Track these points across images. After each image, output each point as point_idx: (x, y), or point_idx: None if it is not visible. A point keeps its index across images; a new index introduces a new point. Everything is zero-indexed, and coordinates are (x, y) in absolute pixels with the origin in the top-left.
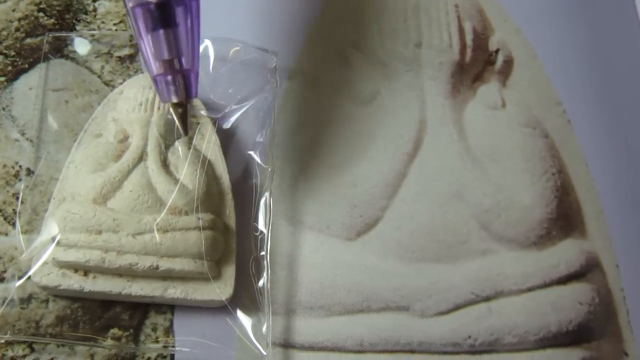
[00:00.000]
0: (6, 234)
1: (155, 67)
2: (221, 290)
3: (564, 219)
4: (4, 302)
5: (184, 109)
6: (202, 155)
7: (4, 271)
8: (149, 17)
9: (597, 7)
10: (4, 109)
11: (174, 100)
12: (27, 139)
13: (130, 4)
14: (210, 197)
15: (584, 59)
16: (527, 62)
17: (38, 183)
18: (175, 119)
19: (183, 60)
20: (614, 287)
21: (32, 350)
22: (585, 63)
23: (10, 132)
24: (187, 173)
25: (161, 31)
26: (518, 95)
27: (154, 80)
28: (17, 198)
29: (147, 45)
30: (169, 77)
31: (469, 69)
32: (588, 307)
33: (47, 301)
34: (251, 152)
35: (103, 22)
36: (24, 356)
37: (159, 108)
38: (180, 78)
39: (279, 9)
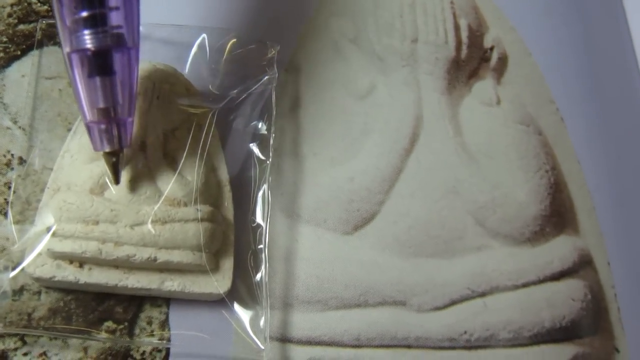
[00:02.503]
0: None
1: (90, 114)
2: (219, 283)
3: (557, 215)
4: None
5: (117, 157)
6: (200, 147)
7: None
8: (86, 63)
9: (587, 7)
10: None
11: (107, 149)
12: (20, 127)
13: (66, 49)
14: (208, 188)
15: (575, 57)
16: (521, 59)
17: (30, 172)
18: (107, 168)
19: (118, 109)
20: (605, 284)
21: (24, 343)
22: (577, 62)
23: (2, 120)
24: (185, 164)
25: (97, 79)
26: (512, 92)
27: (87, 127)
28: (9, 187)
29: (82, 91)
30: (103, 126)
31: (464, 66)
32: (581, 304)
33: (39, 293)
34: (249, 144)
35: None
36: (16, 349)
37: (157, 97)
38: (114, 127)
39: (276, 2)
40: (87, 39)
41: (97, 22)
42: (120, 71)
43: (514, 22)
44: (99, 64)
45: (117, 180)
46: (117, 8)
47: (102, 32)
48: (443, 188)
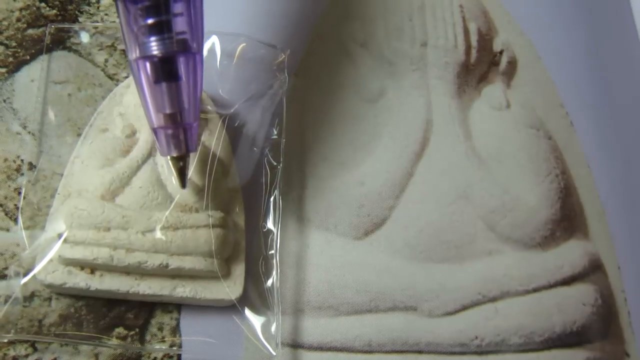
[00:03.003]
0: (7, 230)
1: (157, 119)
2: (230, 289)
3: (568, 220)
4: (6, 300)
5: (184, 162)
6: (211, 152)
7: (6, 268)
8: (153, 70)
9: (596, 10)
10: (4, 101)
11: (174, 154)
12: (29, 132)
13: (132, 56)
14: (219, 194)
15: (584, 61)
16: (531, 63)
17: (40, 178)
18: (174, 172)
19: (185, 114)
20: (615, 288)
21: (35, 349)
22: (586, 65)
23: (11, 125)
24: (196, 170)
25: (164, 84)
26: (522, 96)
27: (154, 131)
28: (19, 193)
29: (149, 97)
30: (170, 131)
31: (474, 70)
32: (591, 308)
33: (50, 299)
34: (260, 150)
35: (106, 14)
36: (27, 356)
37: None
38: (181, 132)
39: (285, 6)
40: (154, 46)
41: (162, 28)
42: (186, 76)
43: (523, 26)
44: (165, 70)
45: (183, 185)
46: (181, 14)
47: (168, 38)
48: (453, 192)
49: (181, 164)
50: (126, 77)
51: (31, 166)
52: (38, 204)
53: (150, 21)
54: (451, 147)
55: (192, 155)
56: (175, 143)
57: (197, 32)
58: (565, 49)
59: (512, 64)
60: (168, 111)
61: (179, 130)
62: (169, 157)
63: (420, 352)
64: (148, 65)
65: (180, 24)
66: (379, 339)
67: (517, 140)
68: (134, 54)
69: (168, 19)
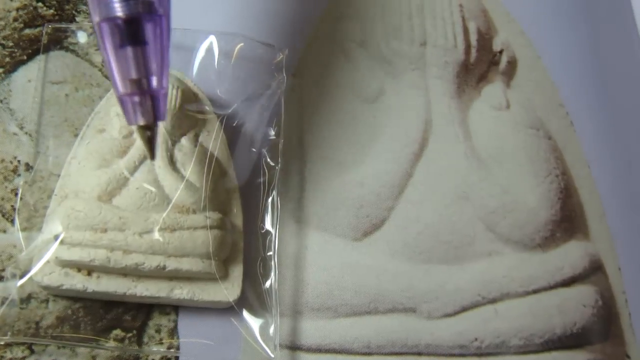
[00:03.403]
0: (4, 231)
1: (122, 86)
2: (228, 291)
3: (568, 220)
4: (3, 302)
5: (151, 132)
6: (209, 153)
7: (3, 270)
8: (117, 33)
9: (597, 10)
10: (1, 101)
11: (141, 122)
12: (26, 132)
13: (96, 19)
14: (217, 195)
15: (584, 61)
16: (531, 63)
17: (37, 179)
18: (142, 142)
19: (152, 80)
20: (616, 289)
21: (32, 352)
22: (586, 65)
23: (8, 126)
24: (194, 170)
25: (129, 48)
26: (522, 96)
27: (120, 99)
28: (16, 194)
29: (113, 62)
30: (136, 98)
31: (473, 69)
32: (592, 310)
33: (47, 301)
34: (258, 150)
35: None
36: (24, 358)
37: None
38: (148, 99)
39: (283, 6)
40: (117, 7)
41: None
42: (152, 41)
43: (523, 25)
44: (130, 33)
45: (152, 156)
46: None
47: None
48: (453, 193)
49: (149, 133)
50: None
51: (28, 167)
52: (35, 205)
53: None
54: (450, 147)
55: (194, 160)
56: (142, 111)
57: None
58: (566, 48)
59: (512, 64)
60: (134, 77)
61: (145, 98)
62: (136, 127)
63: (419, 354)
64: (112, 28)
65: None
66: (377, 340)
67: (517, 141)
68: (97, 16)
69: None
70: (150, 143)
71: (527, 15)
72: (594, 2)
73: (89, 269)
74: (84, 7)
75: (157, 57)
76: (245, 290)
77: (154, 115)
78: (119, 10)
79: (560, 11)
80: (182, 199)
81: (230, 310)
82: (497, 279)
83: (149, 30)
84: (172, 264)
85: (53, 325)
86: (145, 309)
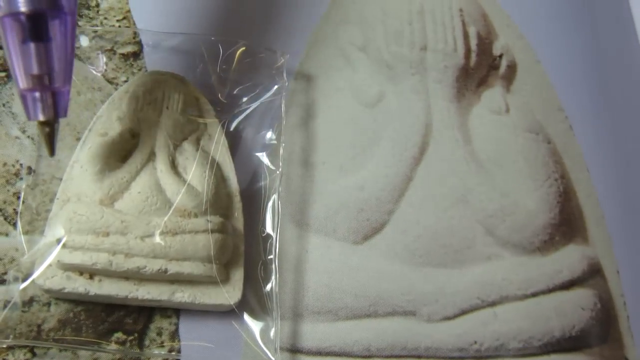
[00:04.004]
0: (6, 235)
1: (23, 81)
2: (229, 294)
3: (567, 224)
4: (5, 305)
5: (51, 128)
6: (210, 157)
7: (5, 273)
8: (20, 28)
9: (596, 14)
10: (4, 105)
11: (41, 118)
12: (28, 136)
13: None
14: (219, 199)
15: (584, 65)
16: (530, 67)
17: (39, 182)
18: (42, 139)
19: (54, 77)
20: (614, 292)
21: (34, 355)
22: (586, 69)
23: (10, 130)
24: (195, 174)
25: (32, 44)
26: (521, 100)
27: (21, 94)
28: (18, 197)
29: (14, 57)
30: (37, 94)
31: (473, 74)
32: (590, 313)
33: (49, 304)
34: (259, 154)
35: (106, 18)
36: None
37: (167, 107)
38: (49, 96)
39: (284, 11)
40: (21, 2)
41: None
42: (56, 38)
43: (523, 29)
44: (33, 29)
45: (51, 152)
46: None
47: None
48: (452, 197)
49: (47, 129)
50: (125, 82)
51: (30, 170)
52: (37, 209)
53: None
54: (450, 151)
55: (196, 164)
56: (42, 107)
57: None
58: (565, 52)
59: (512, 68)
60: (35, 72)
61: (47, 94)
62: (36, 123)
63: (419, 357)
64: (14, 23)
65: None
66: (378, 343)
67: (516, 145)
68: (0, 10)
69: None
70: (49, 139)
71: (527, 20)
72: (594, 6)
73: (91, 273)
74: (86, 12)
75: (61, 54)
76: (246, 294)
77: (55, 112)
78: (22, 5)
79: (559, 15)
80: (183, 202)
81: (231, 313)
82: (496, 282)
83: (53, 27)
84: (173, 268)
85: (55, 329)
86: (146, 312)
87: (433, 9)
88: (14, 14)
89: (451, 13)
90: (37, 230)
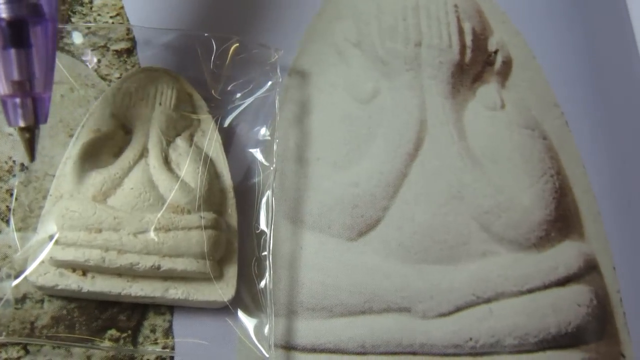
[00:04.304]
0: None
1: (4, 87)
2: (223, 291)
3: (563, 220)
4: None
5: (31, 134)
6: (203, 153)
7: None
8: (0, 34)
9: (591, 10)
10: None
11: (21, 124)
12: None
13: None
14: (212, 195)
15: (580, 61)
16: (526, 63)
17: (32, 179)
18: (22, 144)
19: (35, 83)
20: (611, 289)
21: (27, 352)
22: (581, 65)
23: (3, 126)
24: (188, 170)
25: (12, 50)
26: (517, 96)
27: (1, 100)
28: (11, 194)
29: None
30: (18, 100)
31: (468, 70)
32: (586, 309)
33: (42, 301)
34: (253, 150)
35: (99, 15)
36: (19, 358)
37: (160, 104)
38: (29, 102)
39: (278, 7)
40: (1, 8)
41: None
42: (38, 44)
43: (518, 25)
44: (14, 36)
45: (31, 158)
46: None
47: (18, 1)
48: (447, 193)
49: (27, 135)
50: (119, 78)
51: (23, 167)
52: (30, 206)
53: None
54: (445, 147)
55: (189, 160)
56: (23, 113)
57: None
58: (561, 48)
59: (507, 64)
60: (16, 78)
61: (27, 100)
62: (17, 128)
63: (414, 353)
64: None
65: None
66: (372, 340)
67: (512, 141)
68: None
69: None
70: (29, 145)
71: (522, 16)
72: (589, 2)
73: (83, 269)
74: (79, 8)
75: (42, 60)
76: (239, 290)
77: (35, 118)
78: (3, 11)
79: (555, 11)
80: (176, 199)
81: (225, 310)
82: (491, 278)
83: (34, 33)
84: (166, 264)
85: (48, 326)
86: (140, 309)
87: (428, 5)
88: None
89: (446, 9)
90: (30, 227)
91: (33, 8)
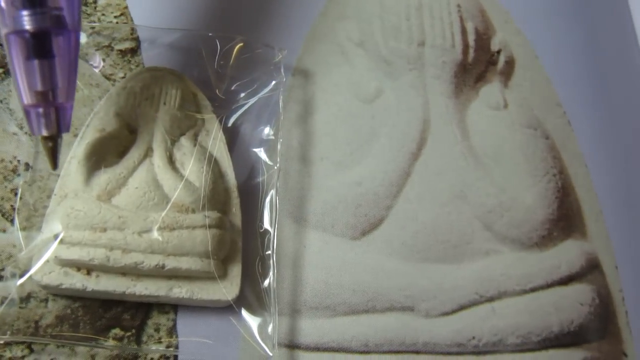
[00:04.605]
0: (4, 231)
1: (27, 97)
2: (227, 289)
3: (565, 219)
4: (2, 301)
5: (54, 143)
6: (207, 152)
7: (2, 269)
8: (24, 45)
9: (594, 10)
10: (1, 101)
11: (45, 133)
12: (26, 132)
13: (4, 30)
14: (216, 194)
15: (582, 60)
16: (528, 63)
17: (37, 179)
18: (45, 153)
19: (58, 93)
20: (613, 288)
21: (32, 351)
22: (584, 65)
23: (8, 126)
24: (193, 170)
25: (36, 61)
26: (519, 96)
27: (25, 110)
28: (16, 194)
29: (19, 74)
30: (41, 109)
31: (471, 69)
32: (588, 308)
33: (46, 300)
34: (257, 150)
35: (103, 14)
36: (23, 357)
37: (164, 103)
38: (52, 111)
39: (282, 6)
40: (25, 20)
41: (35, 2)
42: (60, 55)
43: (520, 25)
44: (38, 47)
45: (54, 166)
46: None
47: (41, 13)
48: (450, 192)
49: (50, 144)
50: (123, 78)
51: (27, 167)
52: (34, 205)
53: None
54: (448, 147)
55: (193, 160)
56: (46, 122)
57: (74, 9)
58: (563, 48)
59: (510, 64)
60: (39, 89)
61: (50, 110)
62: (39, 137)
63: (417, 352)
64: (19, 40)
65: None
66: (376, 339)
67: (515, 140)
68: (5, 28)
69: None
70: (52, 153)
71: (525, 15)
72: (591, 1)
73: (88, 268)
74: (83, 8)
75: (64, 70)
76: (243, 289)
77: (58, 127)
78: (27, 23)
79: (557, 11)
80: (181, 198)
81: (229, 309)
82: (494, 277)
83: (57, 44)
84: (171, 263)
85: (52, 325)
86: (144, 308)
87: (431, 5)
88: (19, 32)
89: (449, 9)
90: (34, 227)
91: (56, 19)
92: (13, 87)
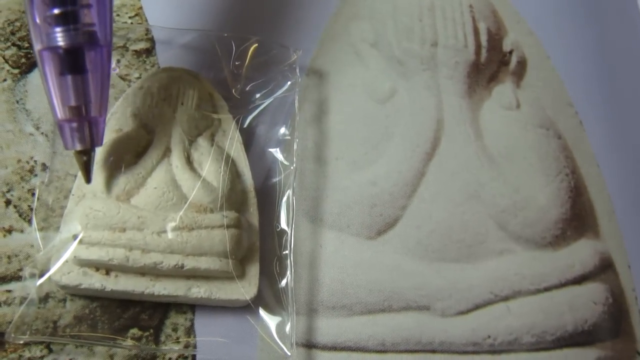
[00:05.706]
0: (22, 231)
1: (61, 112)
2: (245, 289)
3: (578, 219)
4: (21, 301)
5: (88, 156)
6: (225, 153)
7: (20, 269)
8: (57, 61)
9: (605, 10)
10: (17, 102)
11: (78, 147)
12: (42, 133)
13: (38, 47)
14: (234, 194)
15: (593, 60)
16: (540, 63)
17: (54, 179)
18: (79, 167)
19: (90, 107)
20: (626, 287)
21: (50, 351)
22: (595, 64)
23: (24, 126)
24: (210, 170)
25: (69, 77)
26: (532, 96)
27: (58, 125)
28: (33, 194)
29: (53, 89)
30: (74, 124)
31: (484, 69)
32: (602, 307)
33: (64, 300)
34: (273, 150)
35: (118, 15)
36: (42, 357)
37: (182, 103)
38: (86, 126)
39: (296, 7)
40: (59, 37)
41: (68, 19)
42: (93, 70)
43: (532, 25)
44: (71, 62)
45: (88, 180)
46: (89, 5)
47: (74, 29)
48: (465, 192)
49: (85, 158)
50: (138, 78)
51: (44, 167)
52: (52, 205)
53: (56, 11)
54: (462, 146)
55: (211, 160)
56: (79, 137)
57: (106, 24)
58: (574, 48)
59: (522, 64)
60: (73, 104)
61: (83, 124)
62: (73, 151)
63: (433, 351)
64: (53, 57)
65: (87, 15)
66: (392, 338)
67: (527, 140)
68: (38, 44)
69: (74, 9)
70: (86, 167)
71: (536, 16)
72: (602, 2)
73: (107, 268)
74: None
75: (97, 85)
76: (261, 289)
77: (91, 141)
78: (60, 40)
79: (568, 11)
80: (199, 198)
81: (246, 308)
82: (508, 276)
83: (89, 60)
84: (190, 263)
85: (71, 325)
86: (162, 308)
87: (443, 5)
88: (53, 48)
89: (461, 9)
90: (52, 227)
91: (89, 35)
92: (28, 87)
